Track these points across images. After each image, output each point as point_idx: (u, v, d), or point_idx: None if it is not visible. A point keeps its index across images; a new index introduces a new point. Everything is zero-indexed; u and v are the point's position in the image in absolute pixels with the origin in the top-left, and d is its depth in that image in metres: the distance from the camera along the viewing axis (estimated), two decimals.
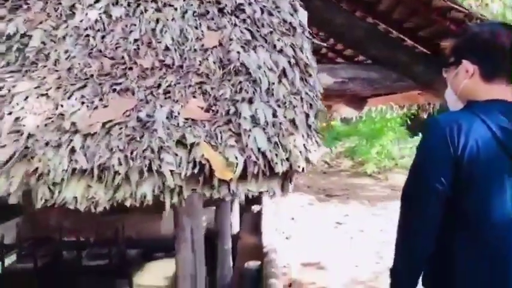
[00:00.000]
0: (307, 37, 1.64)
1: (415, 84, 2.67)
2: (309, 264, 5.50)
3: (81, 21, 1.64)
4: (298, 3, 1.87)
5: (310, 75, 1.44)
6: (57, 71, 1.43)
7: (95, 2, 1.78)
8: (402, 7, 2.42)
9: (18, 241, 6.29)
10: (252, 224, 6.99)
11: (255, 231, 6.72)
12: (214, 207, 8.00)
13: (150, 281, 6.24)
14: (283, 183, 1.14)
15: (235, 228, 6.20)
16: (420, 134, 1.63)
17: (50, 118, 1.22)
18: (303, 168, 1.09)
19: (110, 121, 1.20)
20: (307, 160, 1.13)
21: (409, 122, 12.20)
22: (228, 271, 4.68)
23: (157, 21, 1.72)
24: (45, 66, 1.48)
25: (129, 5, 1.81)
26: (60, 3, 1.74)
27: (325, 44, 2.54)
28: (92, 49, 1.55)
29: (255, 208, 7.12)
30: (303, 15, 1.80)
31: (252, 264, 4.61)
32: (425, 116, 8.31)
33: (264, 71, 1.40)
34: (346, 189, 10.27)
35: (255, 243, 6.11)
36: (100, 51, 1.55)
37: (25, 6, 1.74)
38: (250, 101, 1.29)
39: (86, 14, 1.69)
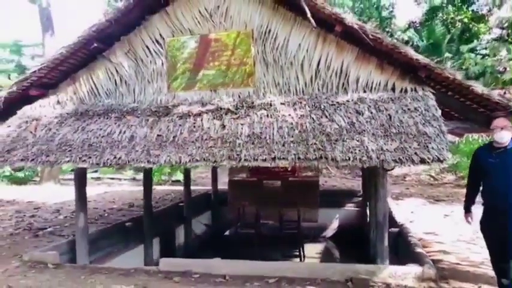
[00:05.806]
0: (443, 123, 5.03)
1: (486, 129, 5.88)
2: (428, 233, 7.94)
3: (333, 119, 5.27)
4: (437, 105, 5.26)
5: (444, 132, 4.85)
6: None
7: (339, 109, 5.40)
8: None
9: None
10: None
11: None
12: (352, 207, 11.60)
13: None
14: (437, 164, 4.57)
15: None
16: None
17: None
18: (445, 158, 4.52)
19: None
20: (447, 156, 4.55)
21: None
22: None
23: (358, 111, 5.22)
24: None
25: (330, 105, 5.39)
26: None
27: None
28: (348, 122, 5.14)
29: None
30: (439, 110, 5.20)
31: (393, 229, 7.74)
32: None
33: (430, 134, 4.83)
34: (450, 196, 12.21)
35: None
36: (346, 129, 5.10)
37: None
38: (431, 141, 4.74)
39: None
